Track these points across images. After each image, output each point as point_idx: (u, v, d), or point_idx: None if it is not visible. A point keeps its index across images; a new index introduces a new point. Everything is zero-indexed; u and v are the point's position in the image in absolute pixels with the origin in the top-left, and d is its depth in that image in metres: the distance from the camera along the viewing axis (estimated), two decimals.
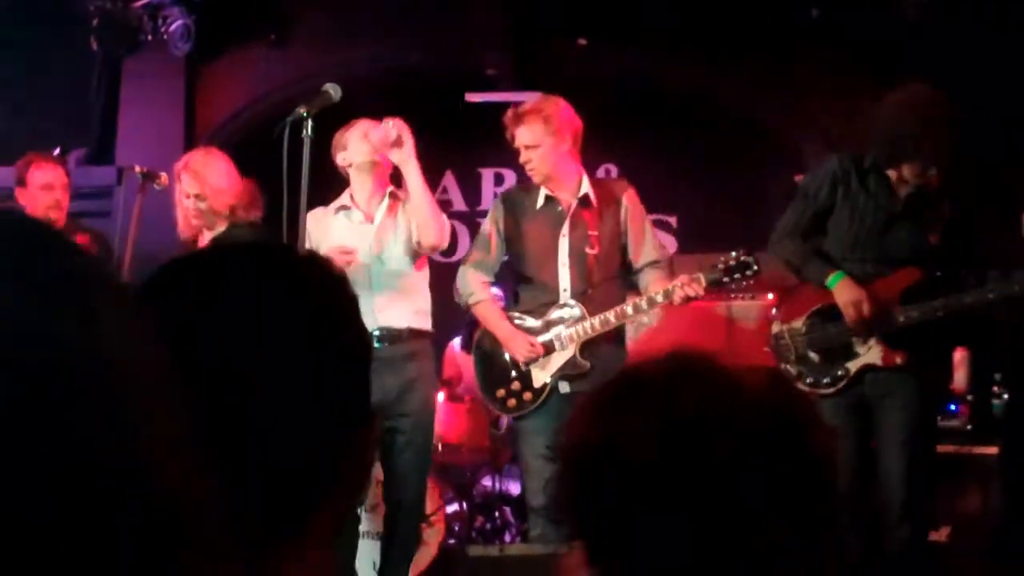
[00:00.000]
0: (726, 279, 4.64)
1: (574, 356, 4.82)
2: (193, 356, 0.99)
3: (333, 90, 4.36)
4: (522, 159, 4.88)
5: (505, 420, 6.29)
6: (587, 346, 4.82)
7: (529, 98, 7.74)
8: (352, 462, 1.10)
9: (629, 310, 4.78)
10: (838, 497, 1.26)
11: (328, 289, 1.13)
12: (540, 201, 4.96)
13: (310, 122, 4.19)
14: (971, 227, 4.77)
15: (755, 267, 4.63)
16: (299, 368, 1.06)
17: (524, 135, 4.85)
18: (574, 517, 1.28)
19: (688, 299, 4.66)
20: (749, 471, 1.19)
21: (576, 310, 4.84)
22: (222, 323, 1.05)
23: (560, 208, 4.92)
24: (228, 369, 1.02)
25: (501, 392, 4.95)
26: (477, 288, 5.02)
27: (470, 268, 5.08)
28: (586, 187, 4.93)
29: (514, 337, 4.89)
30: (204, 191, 4.97)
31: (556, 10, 7.51)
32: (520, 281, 5.05)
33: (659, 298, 4.70)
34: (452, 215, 8.82)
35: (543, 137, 4.82)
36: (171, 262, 1.12)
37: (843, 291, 4.56)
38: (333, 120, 4.61)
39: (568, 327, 4.84)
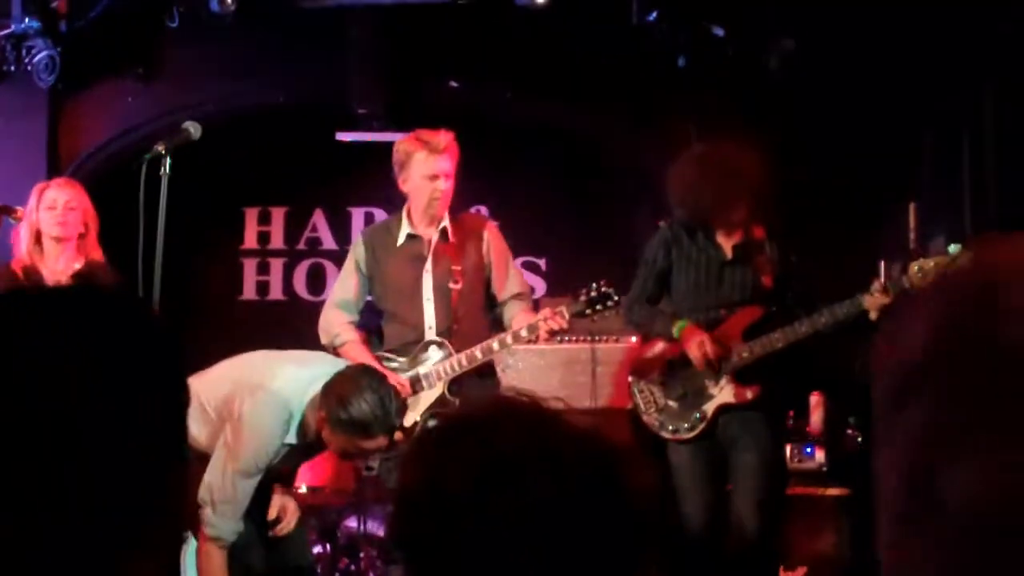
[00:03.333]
0: (588, 311, 4.70)
1: (442, 393, 4.83)
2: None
3: (193, 128, 4.32)
4: (440, 187, 4.86)
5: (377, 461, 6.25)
6: (455, 383, 4.83)
7: (401, 138, 7.76)
8: (165, 504, 1.09)
9: (495, 345, 4.81)
10: (653, 536, 1.28)
11: (149, 335, 1.12)
12: (401, 238, 4.97)
13: (168, 159, 4.14)
14: (797, 267, 5.00)
15: (616, 298, 4.71)
16: (114, 407, 1.04)
17: (446, 164, 4.84)
18: (405, 551, 1.30)
19: (553, 333, 4.70)
20: (565, 507, 1.21)
21: (442, 347, 4.85)
22: (36, 361, 1.04)
23: (422, 243, 4.94)
24: (40, 407, 1.01)
25: None
26: (342, 329, 5.00)
27: (333, 308, 5.07)
28: (446, 221, 4.95)
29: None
30: (76, 203, 4.92)
31: (428, 51, 7.55)
32: (384, 319, 5.04)
33: (524, 333, 4.73)
34: (322, 254, 8.77)
35: (455, 169, 4.87)
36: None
37: (687, 335, 4.76)
38: (193, 157, 4.55)
39: (435, 364, 4.85)
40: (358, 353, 4.96)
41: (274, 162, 8.40)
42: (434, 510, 1.24)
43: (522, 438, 1.25)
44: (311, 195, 8.76)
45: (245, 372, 4.26)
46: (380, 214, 8.70)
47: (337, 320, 5.02)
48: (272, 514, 4.50)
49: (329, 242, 8.81)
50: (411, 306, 4.91)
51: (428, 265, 4.91)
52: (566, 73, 7.58)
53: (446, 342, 4.85)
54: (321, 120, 8.04)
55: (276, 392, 4.13)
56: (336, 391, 4.02)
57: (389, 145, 8.25)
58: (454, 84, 7.71)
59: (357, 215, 8.83)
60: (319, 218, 8.83)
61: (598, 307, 4.70)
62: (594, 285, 4.76)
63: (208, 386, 4.16)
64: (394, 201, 8.65)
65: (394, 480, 4.55)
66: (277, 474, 4.41)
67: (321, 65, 7.55)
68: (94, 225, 5.11)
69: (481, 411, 1.32)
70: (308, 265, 8.75)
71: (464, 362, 4.80)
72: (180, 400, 1.13)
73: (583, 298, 4.73)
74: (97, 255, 5.05)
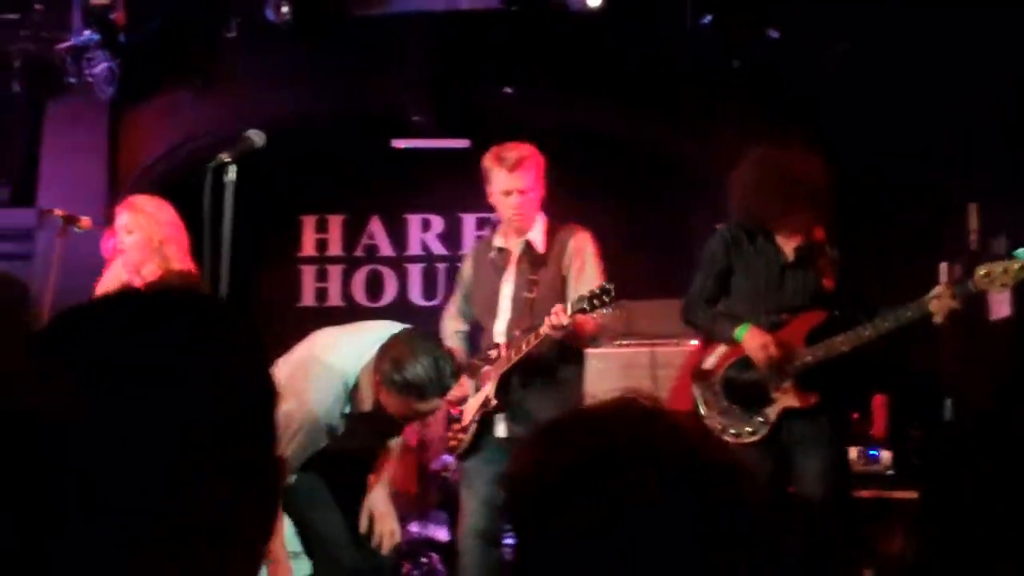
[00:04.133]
0: (587, 306, 4.68)
1: (487, 396, 4.89)
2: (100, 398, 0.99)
3: (256, 136, 4.33)
4: (512, 203, 4.90)
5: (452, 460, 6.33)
6: (502, 385, 4.87)
7: (455, 145, 7.79)
8: (256, 510, 1.10)
9: (523, 346, 4.84)
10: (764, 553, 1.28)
11: (237, 338, 1.13)
12: (492, 250, 5.06)
13: (233, 168, 4.16)
14: (859, 269, 4.97)
15: (612, 292, 4.69)
16: (203, 414, 1.06)
17: (518, 181, 4.89)
18: (514, 534, 1.30)
19: (556, 328, 4.68)
20: (668, 508, 1.21)
21: (500, 352, 4.90)
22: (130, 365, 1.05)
23: (507, 255, 5.00)
24: (132, 412, 1.02)
25: (449, 434, 5.11)
26: (446, 337, 5.13)
27: (446, 317, 5.27)
28: (532, 233, 4.99)
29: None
30: (133, 225, 4.93)
31: (481, 57, 7.57)
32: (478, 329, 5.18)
33: (541, 330, 4.75)
34: (379, 260, 8.83)
35: (535, 183, 4.89)
36: (80, 307, 1.12)
37: (750, 338, 4.73)
38: (250, 166, 4.56)
39: (490, 367, 4.92)
40: None
41: (330, 170, 8.47)
42: (539, 493, 1.25)
43: (635, 434, 1.25)
44: (368, 202, 8.83)
45: (302, 350, 4.34)
46: (436, 220, 8.76)
47: (446, 330, 5.18)
48: (365, 526, 4.59)
49: (386, 248, 8.87)
50: (491, 316, 5.00)
51: (508, 275, 4.99)
52: (620, 78, 7.58)
53: (502, 346, 4.91)
54: (376, 128, 8.09)
55: (329, 364, 4.20)
56: (391, 354, 4.08)
57: (444, 151, 8.37)
58: (508, 90, 7.73)
59: (413, 221, 8.89)
60: (376, 225, 8.89)
61: (595, 302, 4.68)
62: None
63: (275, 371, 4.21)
64: (451, 207, 8.76)
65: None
66: (358, 459, 4.51)
67: (375, 73, 7.60)
68: (171, 236, 5.05)
69: (600, 406, 1.32)
70: (366, 272, 8.81)
71: (503, 363, 4.88)
72: (268, 409, 1.14)
73: (585, 295, 4.73)
74: (177, 265, 5.02)
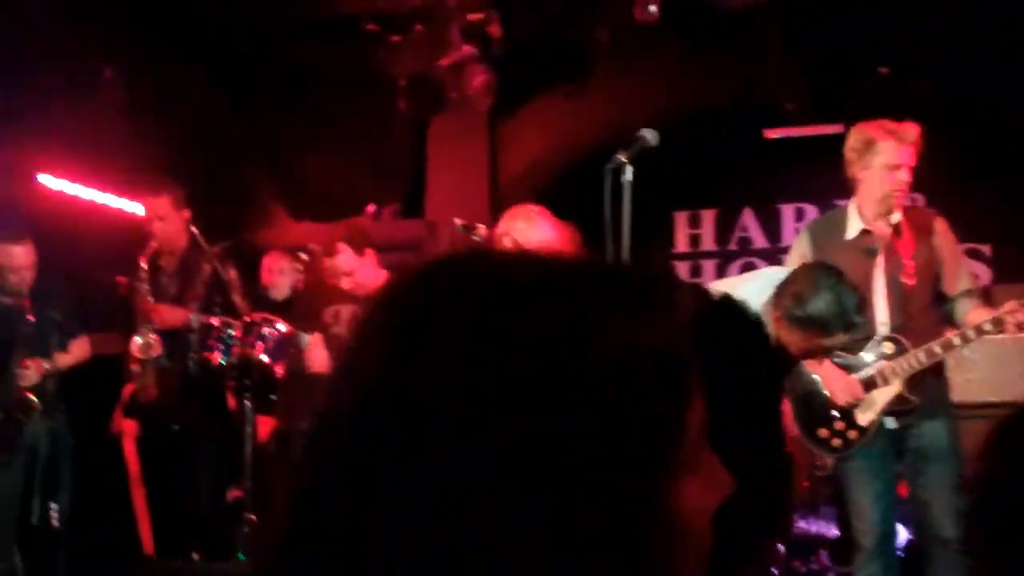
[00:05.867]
0: None
1: (900, 392, 4.67)
2: None
3: (650, 135, 4.36)
4: (901, 178, 4.74)
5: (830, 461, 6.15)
6: (912, 380, 4.66)
7: (829, 131, 7.59)
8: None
9: (956, 341, 4.60)
10: None
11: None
12: (852, 232, 4.84)
13: (629, 168, 4.21)
14: None
15: None
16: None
17: (911, 156, 4.73)
18: (984, 552, 1.24)
19: (1021, 326, 4.45)
20: None
21: (896, 344, 4.70)
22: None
23: (874, 238, 4.79)
24: None
25: (824, 432, 4.80)
26: None
27: None
28: (899, 215, 4.79)
29: (833, 377, 4.75)
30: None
31: (854, 40, 7.34)
32: None
33: (988, 327, 4.51)
34: (753, 253, 8.74)
35: (913, 164, 4.74)
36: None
37: None
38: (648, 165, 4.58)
39: (888, 361, 4.69)
40: None
41: (702, 164, 8.46)
42: (1016, 507, 1.18)
43: None
44: (740, 195, 8.76)
45: None
46: (811, 210, 8.57)
47: None
48: None
49: (760, 241, 8.77)
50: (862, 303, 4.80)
51: (880, 260, 4.76)
52: (999, 56, 7.16)
53: (900, 338, 4.69)
54: (748, 119, 8.02)
55: None
56: (791, 289, 3.98)
57: (818, 139, 8.18)
58: (883, 70, 7.46)
59: (787, 212, 8.74)
60: (748, 217, 8.81)
61: None
62: None
63: None
64: (825, 196, 8.55)
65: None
66: None
67: (745, 63, 7.53)
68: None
69: None
70: (740, 265, 8.75)
71: (923, 358, 4.62)
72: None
73: None
74: None
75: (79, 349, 6.53)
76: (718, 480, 0.82)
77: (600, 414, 0.75)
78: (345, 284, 6.05)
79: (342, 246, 5.98)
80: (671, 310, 0.79)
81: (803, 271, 4.08)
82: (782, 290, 4.00)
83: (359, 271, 6.01)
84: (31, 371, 6.21)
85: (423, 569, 0.72)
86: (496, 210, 6.42)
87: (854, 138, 4.80)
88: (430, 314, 0.81)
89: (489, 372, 0.76)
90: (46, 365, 6.27)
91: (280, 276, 7.40)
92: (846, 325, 3.95)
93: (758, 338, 1.09)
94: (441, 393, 0.76)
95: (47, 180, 7.42)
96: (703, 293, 1.17)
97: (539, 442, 0.74)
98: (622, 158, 4.21)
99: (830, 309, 3.86)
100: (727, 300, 1.14)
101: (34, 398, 6.24)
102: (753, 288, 4.20)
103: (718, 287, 4.36)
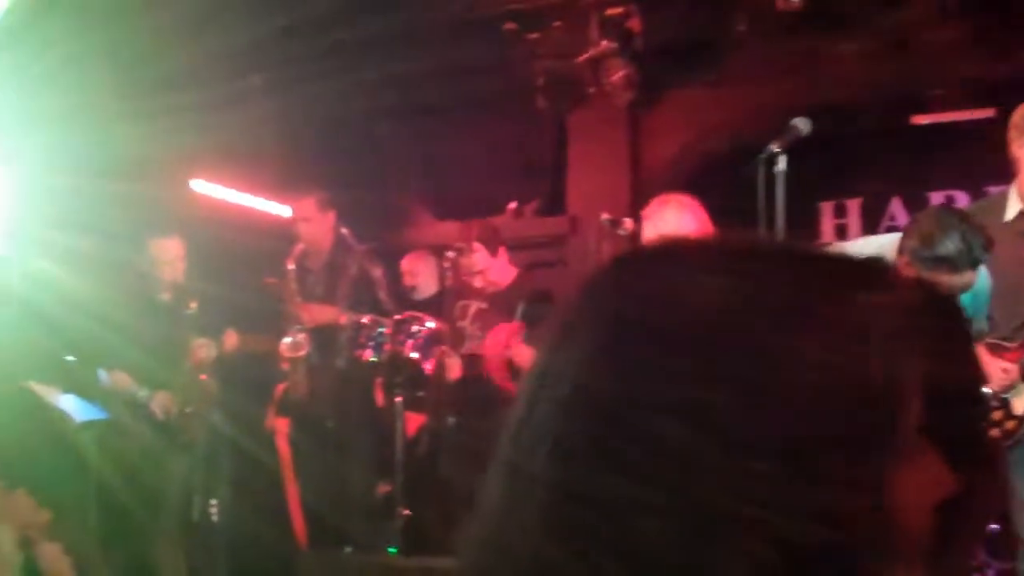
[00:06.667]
0: None
1: None
2: None
3: (802, 124, 4.33)
4: None
5: None
6: None
7: (979, 116, 7.38)
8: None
9: None
10: None
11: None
12: (1010, 214, 4.70)
13: (783, 158, 4.18)
14: None
15: None
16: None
17: None
18: None
19: None
20: None
21: None
22: None
23: None
24: None
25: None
26: None
27: None
28: None
29: (987, 360, 4.62)
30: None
31: (1010, 20, 7.11)
32: (991, 302, 4.78)
33: None
34: None
35: None
36: None
37: None
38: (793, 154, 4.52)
39: None
40: None
41: (848, 153, 8.29)
42: None
43: None
44: (887, 184, 8.56)
45: None
46: (961, 197, 8.34)
47: None
48: None
49: None
50: (1014, 294, 4.63)
51: None
52: None
53: None
54: (895, 106, 7.84)
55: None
56: (918, 231, 4.02)
57: (966, 125, 7.96)
58: None
59: (937, 200, 8.52)
60: (897, 207, 8.61)
61: None
62: None
63: None
64: (976, 183, 8.31)
65: None
66: None
67: (892, 50, 7.36)
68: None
69: None
70: None
71: None
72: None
73: None
74: None
75: (230, 340, 6.67)
76: (937, 478, 0.80)
77: (838, 408, 0.74)
78: (477, 282, 6.15)
79: (477, 245, 6.09)
80: (895, 299, 0.78)
81: (928, 214, 4.09)
82: (909, 231, 4.04)
83: (491, 269, 6.11)
84: (205, 349, 6.37)
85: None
86: (637, 204, 6.39)
87: (1018, 115, 4.67)
88: (650, 309, 0.78)
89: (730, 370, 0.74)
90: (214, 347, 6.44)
91: (418, 277, 7.48)
92: (973, 263, 3.98)
93: (966, 332, 1.07)
94: (669, 397, 0.74)
95: (199, 185, 7.63)
96: (916, 282, 1.15)
97: (783, 444, 0.73)
98: (775, 148, 4.17)
99: (957, 247, 3.90)
100: (933, 290, 1.12)
101: (212, 382, 6.42)
102: (880, 238, 4.20)
103: (844, 248, 4.25)
